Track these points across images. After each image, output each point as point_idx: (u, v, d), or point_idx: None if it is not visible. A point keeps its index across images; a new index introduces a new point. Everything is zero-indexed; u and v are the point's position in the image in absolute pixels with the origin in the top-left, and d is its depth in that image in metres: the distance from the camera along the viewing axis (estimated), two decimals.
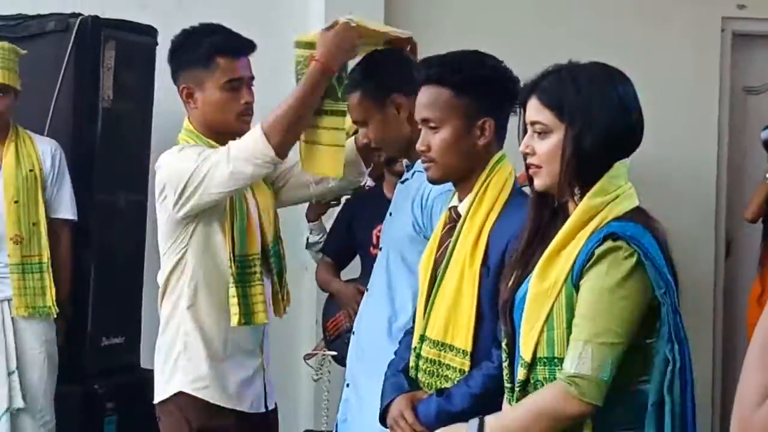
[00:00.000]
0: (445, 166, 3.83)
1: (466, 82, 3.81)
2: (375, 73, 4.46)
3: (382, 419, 3.82)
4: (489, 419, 3.23)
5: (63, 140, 6.49)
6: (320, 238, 6.37)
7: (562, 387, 3.05)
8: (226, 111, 4.59)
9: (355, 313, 4.84)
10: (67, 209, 6.27)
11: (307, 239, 6.61)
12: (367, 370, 4.30)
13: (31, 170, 6.16)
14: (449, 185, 3.95)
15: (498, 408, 3.36)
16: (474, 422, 3.25)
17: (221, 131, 4.60)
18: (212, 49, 4.57)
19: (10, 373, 6.10)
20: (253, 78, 4.66)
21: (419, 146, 3.86)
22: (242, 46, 4.65)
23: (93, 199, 6.51)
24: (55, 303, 6.14)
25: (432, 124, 3.82)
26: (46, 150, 6.25)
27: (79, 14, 6.60)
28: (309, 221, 6.56)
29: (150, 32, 6.93)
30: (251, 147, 4.32)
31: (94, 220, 6.52)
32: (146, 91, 6.94)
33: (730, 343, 8.34)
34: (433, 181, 3.96)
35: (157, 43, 6.91)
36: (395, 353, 3.98)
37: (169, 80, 6.86)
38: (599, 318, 3.07)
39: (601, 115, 3.15)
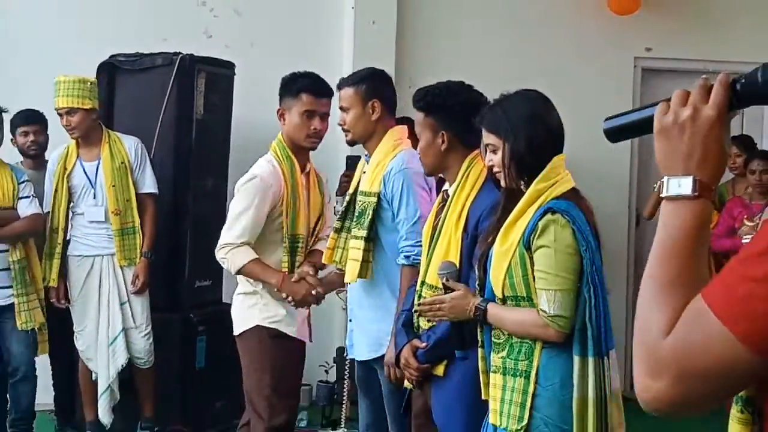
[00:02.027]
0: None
1: (429, 106, 3.86)
2: (365, 80, 4.47)
3: (396, 361, 3.83)
4: (490, 305, 3.24)
5: (168, 142, 6.46)
6: None
7: (546, 322, 3.10)
8: (300, 131, 4.72)
9: None
10: (149, 186, 6.18)
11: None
12: (360, 313, 4.34)
13: (122, 162, 6.08)
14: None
15: (470, 330, 3.41)
16: (483, 302, 3.27)
17: (296, 145, 4.76)
18: (301, 87, 4.75)
19: (122, 304, 6.07)
20: (327, 114, 4.74)
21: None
22: (321, 89, 4.78)
23: (189, 183, 6.49)
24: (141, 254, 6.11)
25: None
26: (130, 145, 6.16)
27: (180, 53, 6.54)
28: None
29: (229, 66, 6.89)
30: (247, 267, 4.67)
31: (189, 198, 6.51)
32: (226, 108, 6.90)
33: (639, 289, 8.19)
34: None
35: (234, 74, 6.91)
36: (403, 310, 3.97)
37: (243, 99, 6.90)
38: (557, 271, 3.12)
39: (524, 130, 3.25)
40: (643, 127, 1.62)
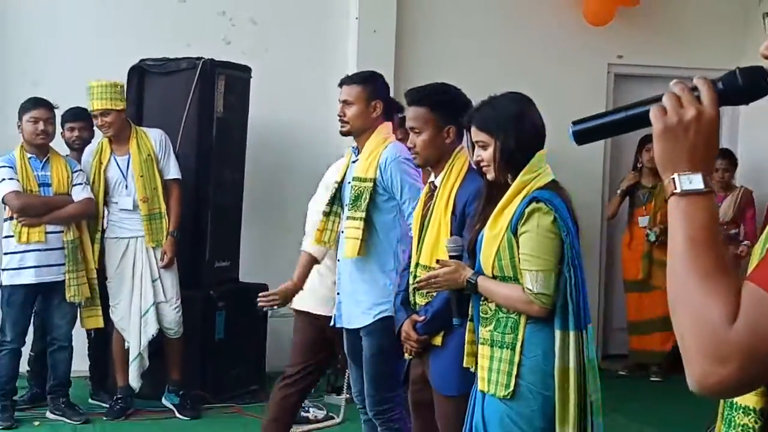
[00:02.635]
0: (424, 157, 3.88)
1: (436, 103, 3.82)
2: (372, 81, 4.43)
3: (397, 336, 3.81)
4: (481, 278, 3.23)
5: (191, 137, 6.46)
6: None
7: (530, 298, 3.10)
8: None
9: None
10: (173, 172, 6.20)
11: None
12: (352, 287, 4.29)
13: (148, 155, 6.11)
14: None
15: (463, 301, 3.40)
16: (474, 275, 3.25)
17: None
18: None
19: (153, 281, 6.10)
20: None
21: (409, 144, 3.91)
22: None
23: (210, 175, 6.48)
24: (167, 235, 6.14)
25: (416, 130, 3.83)
26: (155, 137, 6.18)
27: (202, 58, 6.53)
28: None
29: (246, 69, 6.88)
30: None
31: (210, 188, 6.50)
32: (243, 107, 6.89)
33: (609, 271, 8.30)
34: (418, 167, 4.05)
35: (250, 77, 6.90)
36: (399, 287, 3.95)
37: (258, 99, 6.90)
38: (540, 254, 3.12)
39: (514, 129, 3.23)
40: (619, 128, 1.59)
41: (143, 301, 6.07)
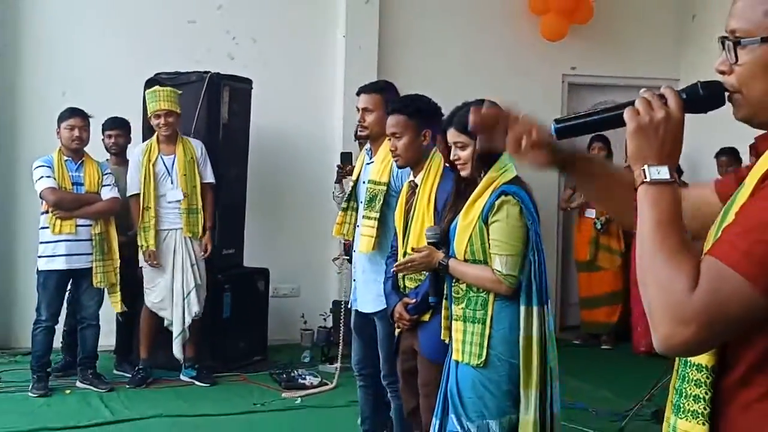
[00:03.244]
0: (405, 159, 3.87)
1: (413, 111, 3.84)
2: (387, 91, 4.32)
3: (390, 317, 3.84)
4: (452, 261, 3.25)
5: (201, 140, 6.40)
6: (340, 194, 6.23)
7: (499, 279, 3.12)
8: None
9: None
10: (209, 177, 6.25)
11: (333, 193, 6.58)
12: (364, 276, 4.28)
13: (191, 158, 6.16)
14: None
15: (438, 282, 3.42)
16: (445, 258, 3.28)
17: None
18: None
19: (192, 265, 6.14)
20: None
21: (390, 148, 3.89)
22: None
23: (217, 172, 6.39)
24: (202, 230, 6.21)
25: (397, 135, 3.85)
26: (197, 146, 6.23)
27: (209, 71, 6.55)
28: (335, 183, 6.50)
29: (248, 81, 6.89)
30: None
31: (218, 184, 6.41)
32: (245, 114, 6.90)
33: (565, 254, 8.33)
34: (400, 167, 4.00)
35: (251, 88, 6.91)
36: (386, 274, 3.94)
37: (258, 107, 6.95)
38: (509, 240, 3.15)
39: None
40: (594, 127, 1.62)
41: (186, 284, 6.11)
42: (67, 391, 5.95)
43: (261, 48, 7.51)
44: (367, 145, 4.41)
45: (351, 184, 4.50)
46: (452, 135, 3.32)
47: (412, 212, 3.77)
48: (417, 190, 3.81)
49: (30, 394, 5.86)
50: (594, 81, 8.21)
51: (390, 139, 3.89)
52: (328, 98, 7.60)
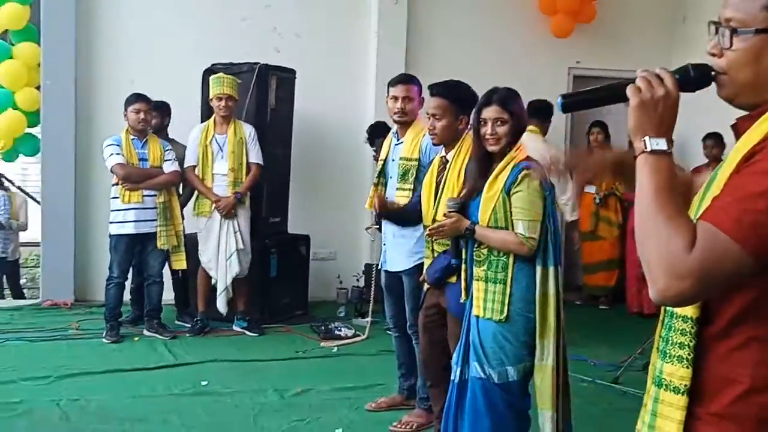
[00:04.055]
0: (441, 138, 3.76)
1: (454, 96, 3.74)
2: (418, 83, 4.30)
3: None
4: (477, 227, 3.18)
5: (251, 124, 6.33)
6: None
7: (521, 241, 3.08)
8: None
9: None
10: (256, 158, 6.13)
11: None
12: (394, 240, 4.22)
13: (240, 138, 6.08)
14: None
15: (459, 247, 3.34)
16: (472, 224, 3.20)
17: None
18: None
19: (235, 232, 6.07)
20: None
21: (429, 127, 3.79)
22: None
23: (265, 151, 6.31)
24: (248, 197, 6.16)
25: (437, 117, 3.73)
26: (248, 129, 6.14)
27: (258, 63, 6.50)
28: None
29: (292, 72, 6.82)
30: None
31: (266, 161, 6.32)
32: (290, 101, 6.84)
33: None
34: (435, 144, 3.87)
35: (295, 77, 6.85)
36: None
37: (301, 95, 6.88)
38: (531, 207, 3.11)
39: (523, 112, 3.23)
40: (598, 102, 1.56)
41: (228, 248, 6.05)
42: (136, 339, 5.97)
43: (303, 42, 7.45)
44: (394, 128, 4.36)
45: (380, 162, 4.44)
46: (495, 111, 3.17)
47: (442, 184, 3.68)
48: (448, 166, 3.70)
49: (104, 340, 5.87)
50: (596, 73, 8.04)
51: (429, 118, 3.77)
52: (362, 87, 7.54)
